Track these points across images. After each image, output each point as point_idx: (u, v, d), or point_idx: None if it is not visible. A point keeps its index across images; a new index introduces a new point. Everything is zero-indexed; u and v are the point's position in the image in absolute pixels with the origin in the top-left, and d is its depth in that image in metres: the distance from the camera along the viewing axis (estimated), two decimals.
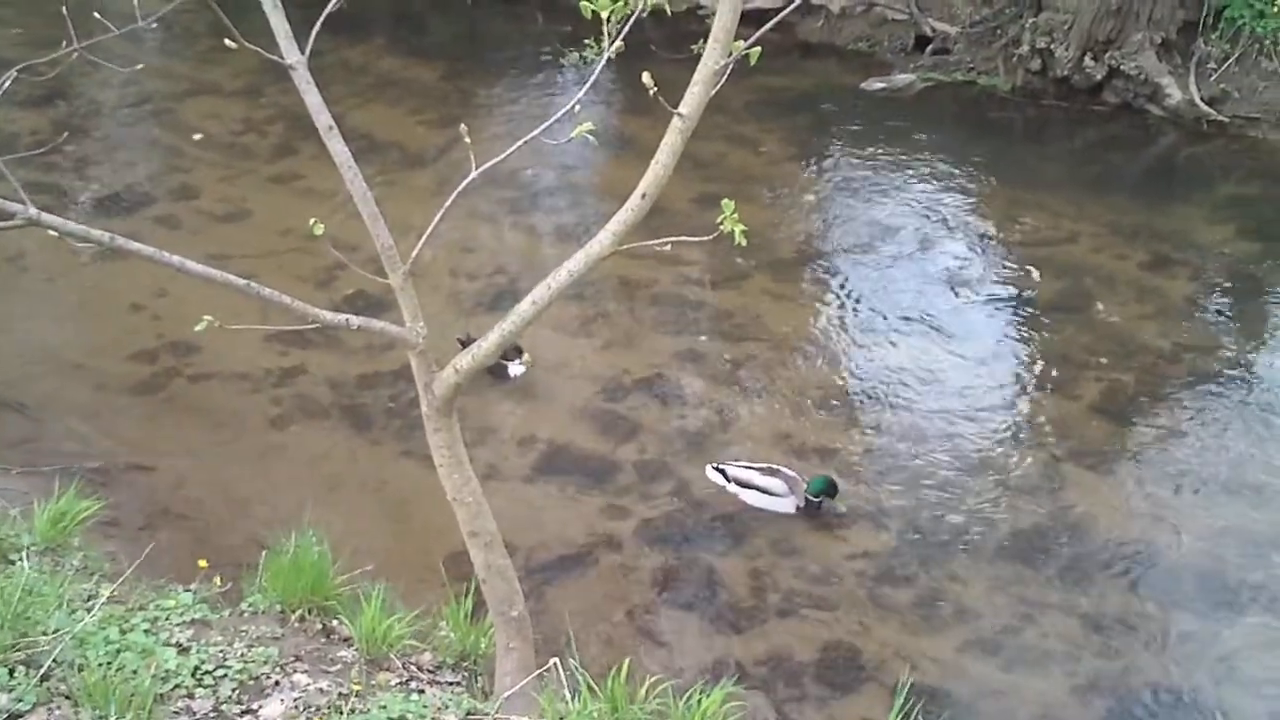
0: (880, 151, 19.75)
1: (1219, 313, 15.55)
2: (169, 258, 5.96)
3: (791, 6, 7.30)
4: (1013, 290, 15.94)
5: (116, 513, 11.15)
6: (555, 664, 7.83)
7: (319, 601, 8.79)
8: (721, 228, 5.77)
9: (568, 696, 7.62)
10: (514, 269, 16.12)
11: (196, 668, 7.69)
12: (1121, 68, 20.46)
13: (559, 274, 6.25)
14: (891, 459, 12.88)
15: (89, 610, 7.97)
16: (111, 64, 8.88)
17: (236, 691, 7.59)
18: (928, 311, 15.40)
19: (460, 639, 8.68)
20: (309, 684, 7.82)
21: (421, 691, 8.03)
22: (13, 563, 8.61)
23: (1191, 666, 10.47)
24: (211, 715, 7.33)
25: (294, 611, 8.72)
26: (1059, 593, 11.21)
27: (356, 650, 8.37)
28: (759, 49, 5.44)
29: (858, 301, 15.59)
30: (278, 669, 7.94)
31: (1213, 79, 20.63)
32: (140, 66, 17.50)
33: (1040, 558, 11.59)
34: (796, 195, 18.53)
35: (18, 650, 7.23)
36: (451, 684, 8.37)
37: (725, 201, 5.71)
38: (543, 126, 6.12)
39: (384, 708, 7.58)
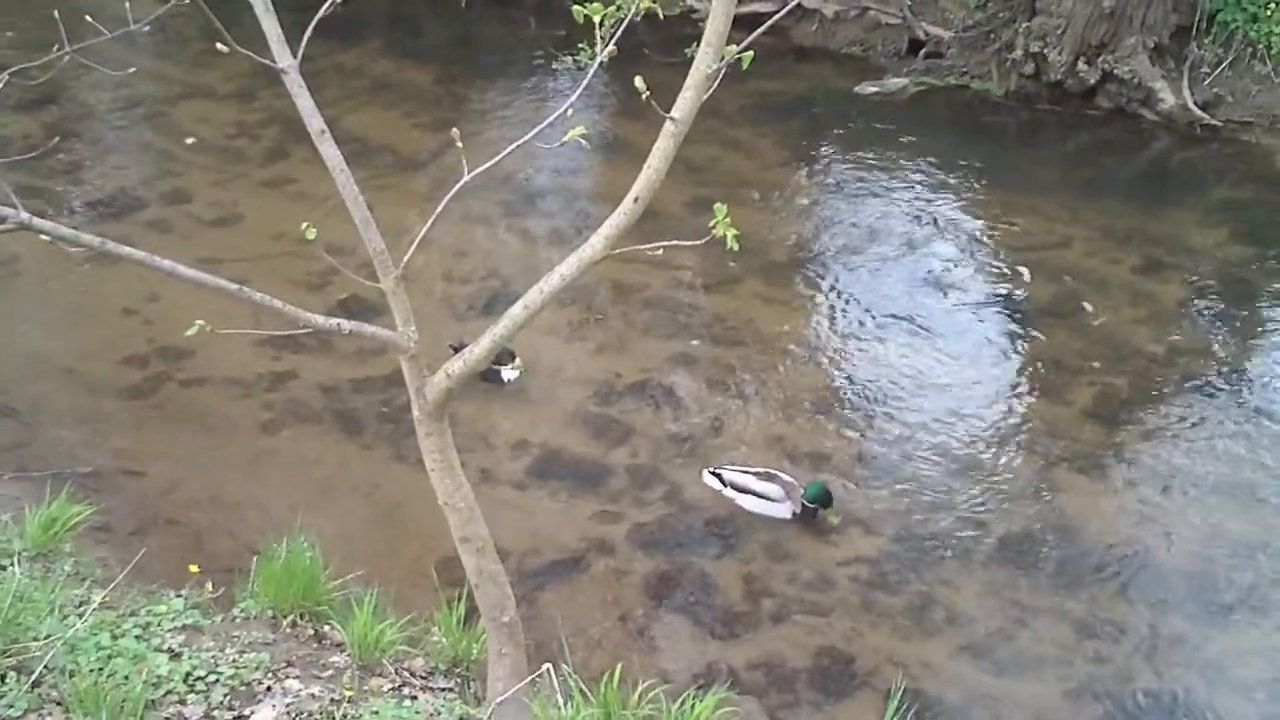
0: (873, 155, 19.75)
1: (1212, 317, 15.55)
2: (160, 262, 5.94)
3: (785, 10, 7.30)
4: (1005, 295, 15.94)
5: (108, 518, 11.12)
6: (548, 669, 7.83)
7: (311, 607, 8.79)
8: (714, 232, 5.76)
9: (560, 702, 7.62)
10: (507, 273, 16.10)
11: (188, 673, 7.69)
12: (1115, 72, 20.48)
13: (551, 278, 6.24)
14: (884, 463, 12.88)
15: (80, 616, 7.96)
16: (104, 67, 8.91)
17: (228, 697, 7.58)
18: (920, 315, 15.40)
19: (452, 645, 8.68)
20: (301, 690, 7.81)
21: (414, 698, 8.03)
22: (4, 568, 8.59)
23: (1183, 670, 10.49)
24: None
25: (286, 617, 8.72)
26: (1051, 597, 11.21)
27: (349, 656, 8.37)
28: (752, 53, 5.44)
29: (850, 305, 15.59)
30: (269, 675, 7.93)
31: (1206, 83, 20.66)
32: (132, 70, 17.47)
33: (1032, 562, 11.60)
34: (789, 199, 18.53)
35: (9, 656, 7.22)
36: (444, 690, 8.37)
37: (717, 206, 5.70)
38: (535, 131, 6.10)
39: (376, 714, 7.58)
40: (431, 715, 7.78)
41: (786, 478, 12.05)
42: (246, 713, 7.49)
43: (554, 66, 21.96)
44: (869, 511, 12.18)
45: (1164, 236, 17.33)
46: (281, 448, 12.94)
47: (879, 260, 16.75)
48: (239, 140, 19.85)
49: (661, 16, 6.39)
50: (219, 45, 5.94)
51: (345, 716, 7.51)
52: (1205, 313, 15.63)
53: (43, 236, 5.82)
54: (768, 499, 11.93)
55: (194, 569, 9.68)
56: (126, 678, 7.37)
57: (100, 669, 7.39)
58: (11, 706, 6.85)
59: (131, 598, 8.72)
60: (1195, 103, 20.38)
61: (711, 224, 5.73)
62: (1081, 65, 20.62)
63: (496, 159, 6.25)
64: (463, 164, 6.17)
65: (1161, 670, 10.47)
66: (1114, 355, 14.55)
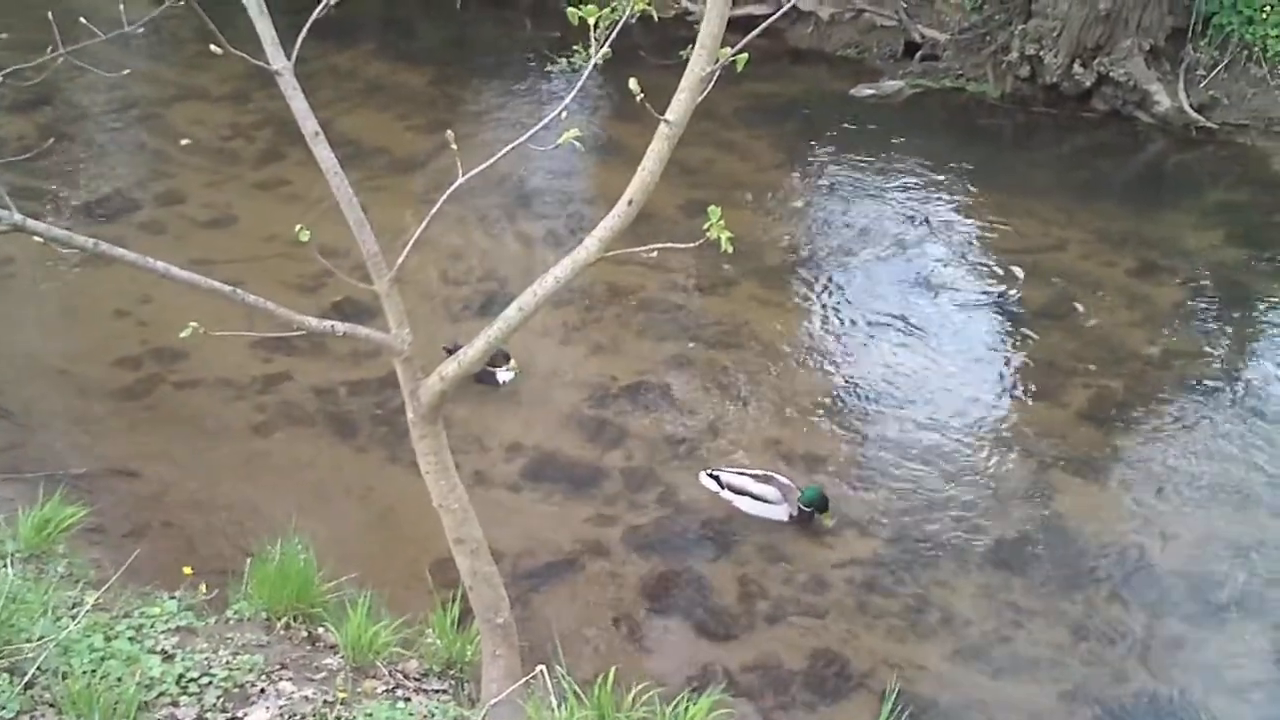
0: (868, 158, 19.75)
1: (1207, 319, 15.55)
2: (153, 263, 5.93)
3: (780, 12, 7.30)
4: (1000, 297, 15.94)
5: (101, 519, 11.13)
6: (542, 671, 7.83)
7: (304, 609, 8.78)
8: (708, 234, 5.75)
9: (554, 704, 7.61)
10: (502, 275, 16.09)
11: (181, 675, 7.68)
12: (1110, 74, 20.49)
13: (545, 280, 6.24)
14: (880, 465, 12.86)
15: (73, 618, 7.95)
16: (98, 69, 8.85)
17: (221, 699, 7.57)
18: (915, 318, 15.39)
19: (446, 646, 8.67)
20: (294, 692, 7.80)
21: (408, 699, 8.02)
22: None
23: (1178, 672, 10.48)
24: None
25: (279, 619, 8.71)
26: (1046, 600, 11.20)
27: (342, 658, 8.36)
28: (746, 55, 5.44)
29: (845, 308, 15.58)
30: (263, 677, 7.92)
31: (1201, 86, 20.68)
32: (127, 72, 17.45)
33: (1028, 565, 11.59)
34: (784, 201, 18.53)
35: (1, 658, 7.21)
36: (438, 692, 8.36)
37: (711, 208, 5.70)
38: (529, 133, 6.10)
39: (370, 716, 7.57)
40: (425, 717, 7.77)
41: (784, 480, 12.04)
42: (240, 715, 7.48)
43: (549, 68, 21.95)
44: (864, 513, 12.17)
45: (1159, 239, 17.34)
46: (275, 450, 12.93)
47: (874, 262, 16.75)
48: (233, 142, 19.84)
49: (656, 19, 6.42)
50: (213, 47, 5.93)
51: (339, 718, 7.50)
52: (1200, 315, 15.63)
53: (36, 238, 5.82)
54: (765, 501, 11.92)
55: (188, 571, 9.67)
56: (119, 679, 7.35)
57: (93, 671, 7.38)
58: (4, 708, 6.84)
59: (125, 599, 8.71)
60: (1191, 105, 20.39)
61: (706, 226, 5.72)
62: (1077, 68, 20.63)
63: (491, 161, 6.25)
64: (457, 166, 6.16)
65: (1156, 672, 10.46)
66: (1109, 357, 14.55)
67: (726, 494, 12.09)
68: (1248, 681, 10.42)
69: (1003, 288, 16.13)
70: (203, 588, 9.11)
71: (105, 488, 12.06)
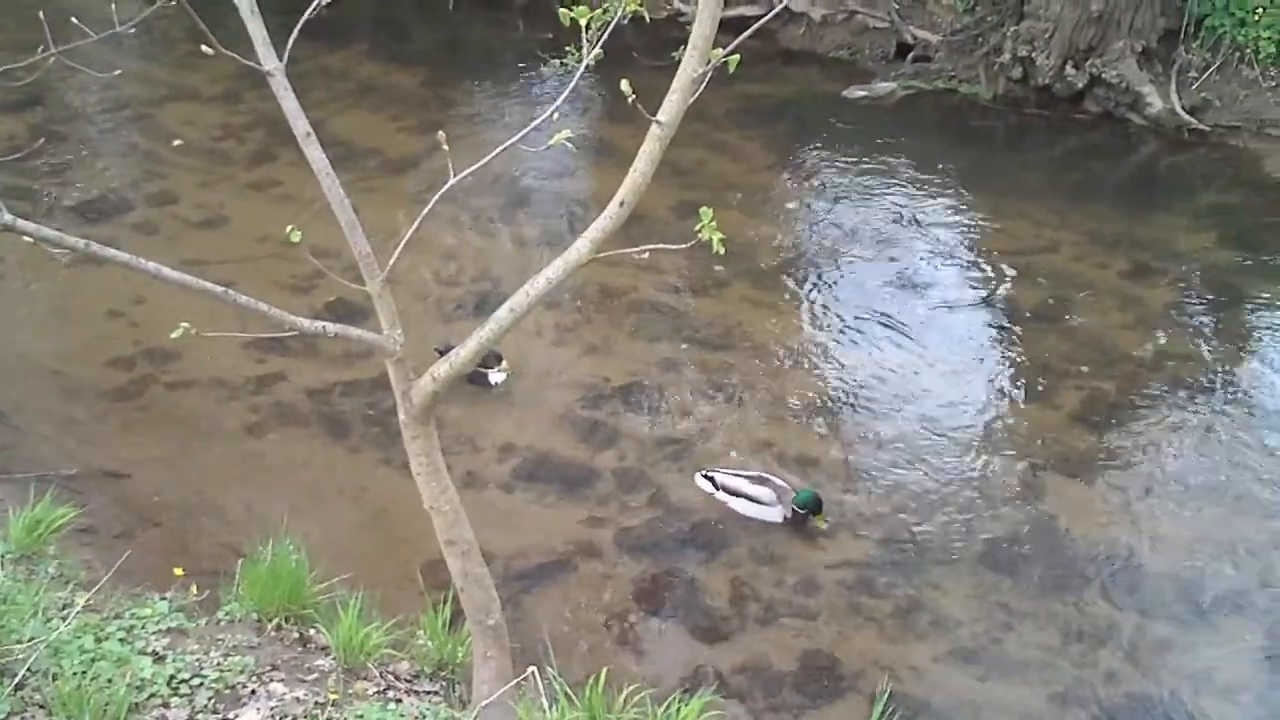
0: (861, 159, 19.76)
1: (1199, 321, 15.57)
2: (144, 264, 5.92)
3: (771, 14, 7.30)
4: (992, 299, 15.95)
5: (92, 520, 11.10)
6: (533, 672, 7.82)
7: (296, 610, 8.77)
8: (700, 235, 5.75)
9: (545, 705, 7.61)
10: (494, 276, 16.09)
11: (172, 677, 7.67)
12: (1103, 76, 20.52)
13: (537, 281, 6.24)
14: (872, 467, 12.87)
15: (64, 619, 7.94)
16: (89, 69, 8.87)
17: (212, 701, 7.56)
18: (907, 319, 15.40)
19: (438, 648, 8.67)
20: (286, 693, 7.80)
21: (399, 700, 8.02)
22: None
23: (1169, 673, 10.48)
24: None
25: (271, 620, 8.70)
26: (1037, 601, 11.20)
27: (334, 659, 8.35)
28: (738, 56, 5.43)
29: (837, 309, 15.59)
30: (254, 678, 7.92)
31: (1194, 87, 20.70)
32: (118, 72, 17.47)
33: (1019, 566, 11.59)
34: (777, 203, 18.54)
35: None
36: (429, 693, 8.36)
37: (703, 209, 5.70)
38: (520, 134, 6.10)
39: (361, 717, 7.57)
40: (416, 719, 7.77)
41: (779, 481, 12.05)
42: (231, 716, 7.48)
43: (541, 70, 21.96)
44: (856, 515, 12.17)
45: (1152, 241, 17.35)
46: (267, 450, 12.92)
47: (865, 263, 16.76)
48: (225, 142, 19.84)
49: (648, 20, 6.41)
50: (204, 47, 5.93)
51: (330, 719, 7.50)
52: (1193, 317, 15.64)
53: (26, 238, 5.81)
54: (759, 503, 11.93)
55: (179, 572, 9.66)
56: (110, 681, 7.35)
57: (84, 672, 7.37)
58: None
59: (116, 600, 8.70)
60: (1183, 107, 20.42)
61: (698, 227, 5.72)
62: (1069, 69, 20.65)
63: (482, 162, 6.25)
64: (449, 167, 6.16)
65: (1147, 673, 10.47)
66: (1102, 359, 14.56)
67: (721, 495, 12.09)
68: (1237, 682, 10.43)
69: (995, 290, 16.14)
70: (194, 589, 9.09)
71: (96, 488, 12.05)
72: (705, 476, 12.26)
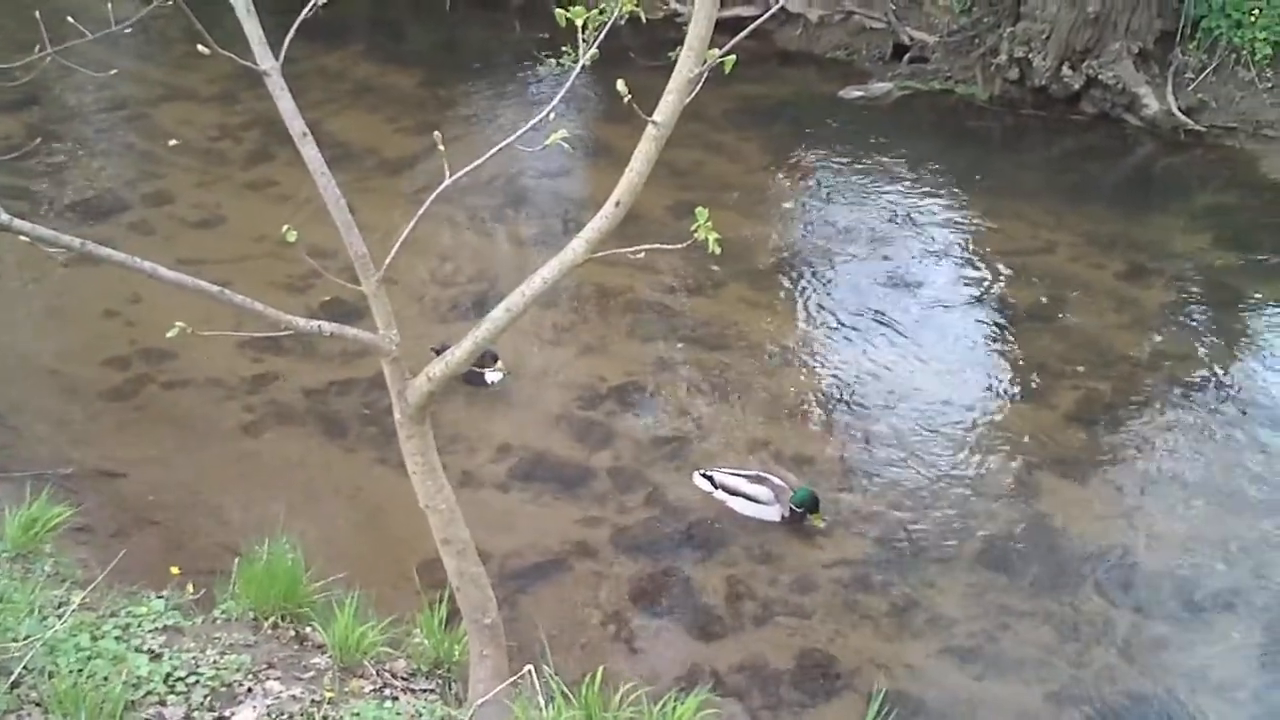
0: (857, 160, 19.78)
1: (1195, 322, 15.58)
2: (140, 263, 5.93)
3: (767, 14, 7.31)
4: (988, 299, 15.97)
5: (88, 519, 11.12)
6: (529, 671, 7.83)
7: (292, 608, 8.78)
8: (696, 235, 5.76)
9: (542, 704, 7.62)
10: (490, 276, 16.11)
11: (168, 675, 7.68)
12: (1099, 77, 20.54)
13: (533, 281, 6.25)
14: (868, 466, 12.88)
15: (60, 617, 7.95)
16: (86, 69, 8.85)
17: (208, 699, 7.57)
18: (903, 319, 15.41)
19: (434, 646, 8.68)
20: (282, 691, 7.81)
21: (395, 699, 8.03)
22: None
23: (1165, 672, 10.49)
24: None
25: (267, 618, 8.71)
26: (1034, 600, 11.21)
27: (330, 657, 8.36)
28: (734, 57, 5.44)
29: (833, 309, 15.60)
30: (250, 676, 7.93)
31: (1190, 89, 20.73)
32: (115, 71, 17.45)
33: (1015, 565, 11.60)
34: (773, 203, 18.57)
35: None
36: (425, 691, 8.37)
37: (699, 209, 5.71)
38: (517, 134, 6.11)
39: (357, 715, 7.57)
40: (412, 717, 7.78)
41: (777, 481, 12.06)
42: (227, 714, 7.49)
43: (538, 70, 21.98)
44: (852, 514, 12.18)
45: (1148, 242, 17.37)
46: (263, 450, 12.93)
47: (861, 263, 16.77)
48: (221, 142, 19.85)
49: (644, 20, 6.41)
50: (201, 47, 5.94)
51: (326, 718, 7.50)
52: (1188, 317, 15.66)
53: (23, 238, 5.82)
54: (757, 501, 11.94)
55: (175, 570, 9.67)
56: (106, 679, 7.35)
57: (80, 670, 7.38)
58: None
59: (111, 599, 8.71)
60: (1179, 108, 20.44)
61: (694, 227, 5.73)
62: (1066, 70, 20.67)
63: (478, 162, 6.26)
64: (445, 167, 6.17)
65: (1143, 672, 10.48)
66: (1097, 359, 14.57)
67: (719, 494, 12.10)
68: (1233, 680, 10.44)
69: (991, 290, 16.15)
70: (190, 587, 9.10)
71: (93, 487, 12.05)
72: (704, 475, 12.27)
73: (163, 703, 7.44)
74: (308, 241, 6.29)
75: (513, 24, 25.10)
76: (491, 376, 13.58)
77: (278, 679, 7.96)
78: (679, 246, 6.05)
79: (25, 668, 7.23)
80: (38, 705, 7.06)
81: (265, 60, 6.27)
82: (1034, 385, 14.21)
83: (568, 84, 6.52)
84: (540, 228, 17.48)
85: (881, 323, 15.32)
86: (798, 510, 11.81)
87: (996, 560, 11.65)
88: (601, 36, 5.85)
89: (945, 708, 10.15)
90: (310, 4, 6.31)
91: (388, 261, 6.45)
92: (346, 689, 8.00)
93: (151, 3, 6.63)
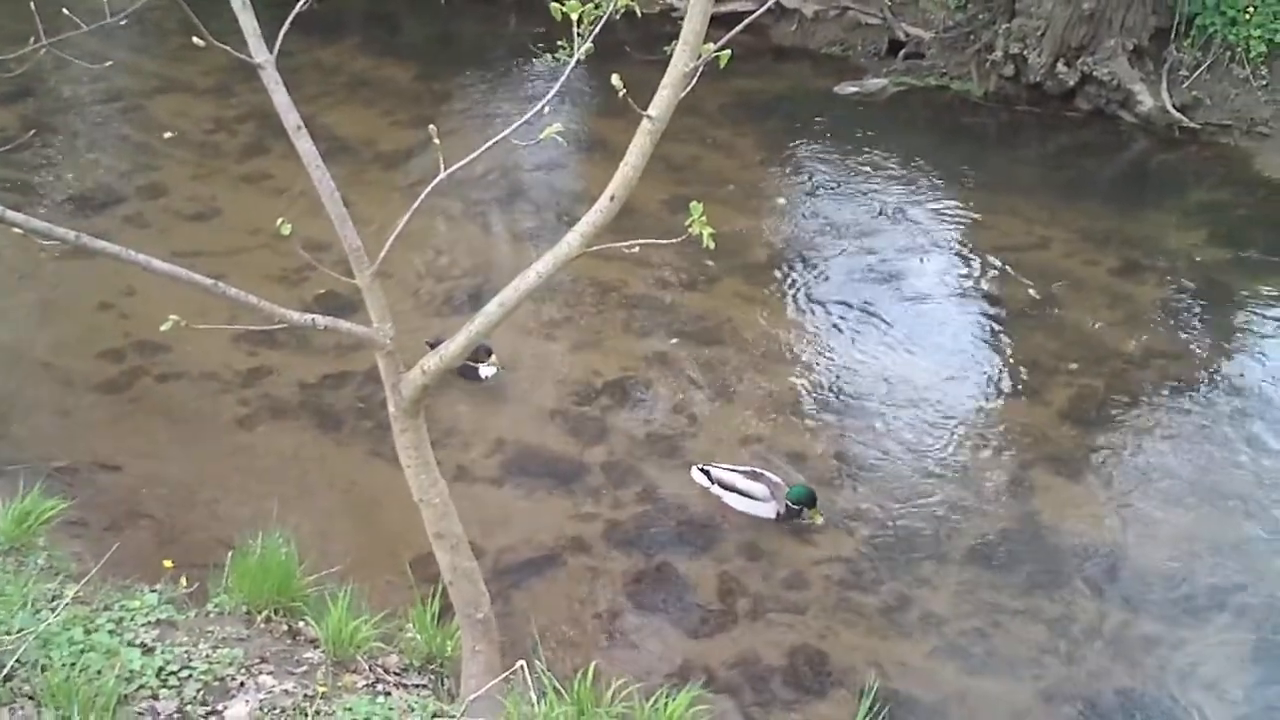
0: (852, 156, 19.77)
1: (1188, 318, 15.59)
2: (134, 256, 5.93)
3: (763, 9, 7.30)
4: (983, 296, 15.97)
5: (82, 512, 11.12)
6: (522, 666, 7.83)
7: (285, 603, 8.78)
8: (690, 230, 5.76)
9: (534, 699, 7.62)
10: (485, 269, 16.09)
11: (161, 668, 7.67)
12: (1094, 74, 20.53)
13: (527, 275, 6.25)
14: (861, 463, 12.89)
15: (53, 610, 7.94)
16: (81, 60, 8.83)
17: (201, 692, 7.57)
18: (897, 315, 15.42)
19: (427, 641, 8.67)
20: (275, 685, 7.80)
21: (388, 694, 8.02)
22: None
23: (1157, 671, 10.51)
24: (176, 716, 7.31)
25: (260, 612, 8.70)
26: (1026, 597, 11.23)
27: (323, 652, 8.36)
28: (729, 52, 5.44)
29: (828, 304, 15.59)
30: (243, 670, 7.92)
31: (1184, 86, 20.72)
32: (110, 63, 17.37)
33: (1008, 563, 11.62)
34: (768, 198, 18.55)
35: None
36: (418, 686, 8.36)
37: (693, 204, 5.71)
38: (511, 128, 6.11)
39: (349, 710, 7.57)
40: (405, 712, 7.77)
41: (773, 477, 12.06)
42: (220, 708, 7.48)
43: (533, 64, 21.96)
44: (845, 511, 12.19)
45: (1142, 238, 17.38)
46: (257, 443, 12.92)
47: (855, 259, 16.76)
48: (217, 135, 19.82)
49: (640, 14, 6.40)
50: (196, 40, 5.93)
51: (318, 713, 7.50)
52: (1182, 314, 15.67)
53: (16, 230, 5.81)
54: (753, 498, 11.94)
55: (168, 564, 9.65)
56: (99, 672, 7.35)
57: (73, 664, 7.38)
58: None
59: (105, 592, 8.71)
60: (1174, 105, 20.44)
61: (688, 222, 5.73)
62: (1061, 67, 20.67)
63: (473, 156, 6.26)
64: (439, 161, 6.17)
65: (1135, 670, 10.50)
66: (1091, 356, 14.58)
67: (716, 490, 12.11)
68: (1224, 678, 10.47)
69: (985, 287, 16.16)
70: (183, 581, 9.09)
71: (86, 480, 12.05)
72: (701, 471, 12.28)
73: (155, 697, 7.44)
74: (302, 235, 6.30)
75: (508, 18, 25.04)
76: (486, 371, 13.58)
77: (270, 673, 7.96)
78: (674, 241, 6.05)
79: (18, 661, 7.22)
80: (31, 699, 7.05)
81: (260, 53, 6.27)
82: (1027, 382, 14.22)
83: (563, 78, 6.51)
84: (535, 222, 17.47)
85: (875, 318, 15.32)
86: (795, 507, 11.81)
87: (989, 557, 11.67)
88: (597, 31, 5.84)
89: (937, 705, 10.17)
90: None
91: (382, 255, 6.44)
92: (339, 684, 8.00)
93: None
